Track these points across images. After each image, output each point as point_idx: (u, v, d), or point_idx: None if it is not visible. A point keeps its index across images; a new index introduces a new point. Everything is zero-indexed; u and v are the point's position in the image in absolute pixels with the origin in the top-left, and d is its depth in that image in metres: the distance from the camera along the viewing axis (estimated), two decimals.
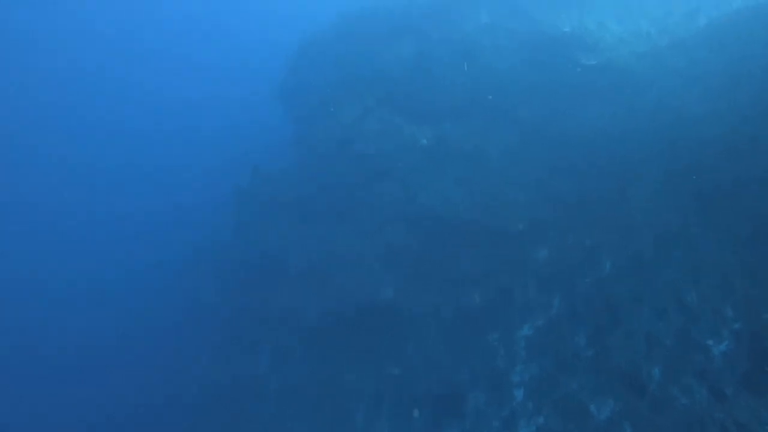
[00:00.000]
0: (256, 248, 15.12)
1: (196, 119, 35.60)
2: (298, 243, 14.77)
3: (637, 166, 13.11)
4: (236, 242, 15.97)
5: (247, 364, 13.49)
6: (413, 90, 17.22)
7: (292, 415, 12.80)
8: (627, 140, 13.66)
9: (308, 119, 17.85)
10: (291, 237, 15.09)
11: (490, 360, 13.79)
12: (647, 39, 16.34)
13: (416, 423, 12.87)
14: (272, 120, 22.70)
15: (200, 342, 14.39)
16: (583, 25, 17.29)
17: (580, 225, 14.31)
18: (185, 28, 46.90)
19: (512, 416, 12.37)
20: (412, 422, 12.86)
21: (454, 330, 14.14)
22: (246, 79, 35.97)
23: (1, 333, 21.31)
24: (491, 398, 13.17)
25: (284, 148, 18.64)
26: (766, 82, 12.65)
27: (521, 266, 14.32)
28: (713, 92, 13.09)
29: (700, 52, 14.39)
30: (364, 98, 16.89)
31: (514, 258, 14.36)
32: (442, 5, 20.84)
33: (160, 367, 15.12)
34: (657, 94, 14.15)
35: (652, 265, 12.33)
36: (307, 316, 13.80)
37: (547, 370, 13.05)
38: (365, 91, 17.18)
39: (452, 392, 13.19)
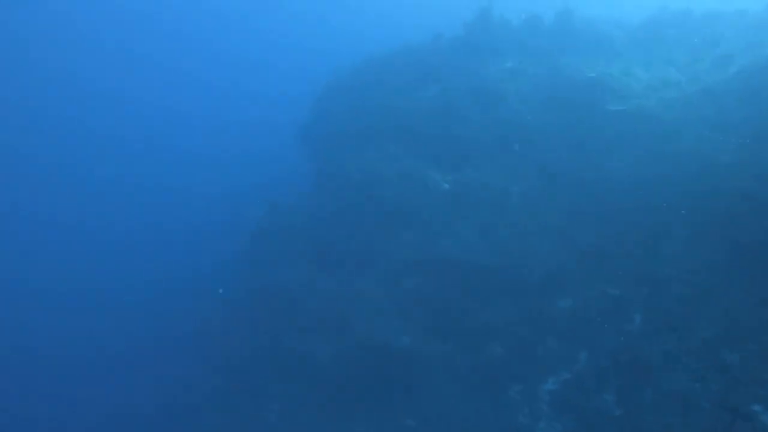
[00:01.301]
0: (270, 290, 15.07)
1: (218, 159, 36.77)
2: (314, 286, 14.65)
3: (665, 217, 12.59)
4: (250, 283, 16.00)
5: (257, 413, 13.17)
6: (435, 135, 17.31)
7: None
8: (655, 189, 13.20)
9: (330, 163, 18.10)
10: (307, 280, 15.00)
11: (512, 415, 13.06)
12: (676, 86, 16.07)
13: None
14: (294, 164, 23.19)
15: (211, 389, 14.21)
16: (608, 72, 17.18)
17: (605, 276, 13.72)
18: (209, 73, 49.22)
19: None
20: None
21: (473, 382, 13.53)
22: (269, 124, 37.16)
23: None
24: None
25: (305, 192, 18.89)
26: None
27: (543, 317, 13.74)
28: (744, 141, 12.62)
29: (730, 100, 14.00)
30: (386, 143, 17.05)
31: (536, 308, 13.81)
32: (465, 50, 21.18)
33: (165, 415, 14.97)
34: (686, 142, 13.75)
35: (685, 321, 11.61)
36: (319, 361, 13.49)
37: (573, 429, 12.24)
38: (387, 137, 17.36)
39: None
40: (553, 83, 18.54)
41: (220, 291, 16.17)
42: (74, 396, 18.63)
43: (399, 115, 18.47)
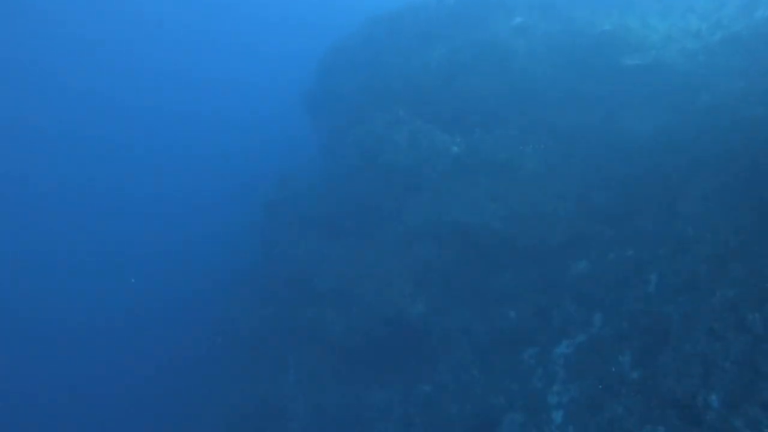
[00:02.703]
0: (282, 263, 14.95)
1: (222, 130, 36.23)
2: (326, 258, 14.50)
3: (688, 176, 12.10)
4: (263, 257, 15.87)
5: (273, 381, 13.30)
6: (443, 97, 16.69)
7: None
8: (677, 147, 12.65)
9: (336, 129, 17.62)
10: (318, 251, 14.84)
11: (526, 379, 13.05)
12: (697, 35, 15.16)
13: None
14: (300, 131, 22.69)
15: (226, 358, 14.35)
16: (624, 23, 16.26)
17: (623, 239, 13.39)
18: (208, 38, 47.90)
19: None
20: None
21: (488, 348, 13.48)
22: (272, 89, 36.30)
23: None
24: (528, 420, 12.44)
25: (312, 159, 18.50)
26: None
27: (559, 282, 13.53)
28: None
29: (759, 47, 13.18)
30: (394, 107, 16.49)
31: (551, 273, 13.58)
32: (471, 7, 20.20)
33: (184, 382, 15.20)
34: (711, 96, 13.05)
35: (707, 283, 11.30)
36: (334, 332, 13.49)
37: (589, 392, 12.21)
38: (394, 100, 16.77)
39: (486, 414, 12.54)
40: (565, 39, 17.68)
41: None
42: (87, 368, 18.99)
43: (406, 77, 17.81)
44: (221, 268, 17.91)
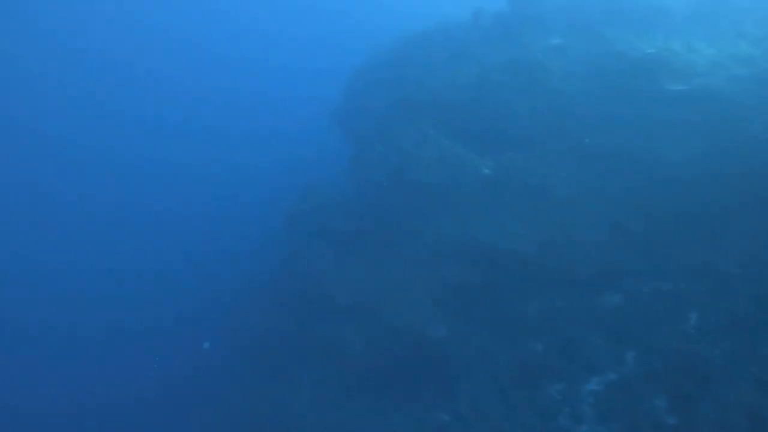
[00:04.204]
0: (302, 276, 14.72)
1: (248, 145, 36.61)
2: (347, 273, 14.20)
3: (734, 210, 11.36)
4: (283, 270, 15.69)
5: (287, 398, 12.97)
6: (475, 116, 16.35)
7: None
8: (722, 179, 11.94)
9: (364, 144, 17.44)
10: (339, 266, 14.56)
11: (551, 417, 12.34)
12: (747, 62, 14.43)
13: None
14: (327, 144, 22.68)
15: (241, 373, 14.14)
16: (668, 47, 15.65)
17: (659, 272, 12.65)
18: (237, 57, 48.80)
19: None
20: None
21: (510, 379, 12.84)
22: (302, 106, 36.69)
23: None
24: None
25: (338, 173, 18.37)
26: None
27: (589, 314, 12.84)
28: None
29: None
30: (423, 124, 16.22)
31: (580, 304, 12.92)
32: (506, 26, 19.89)
33: (196, 396, 15.04)
34: (759, 126, 12.32)
35: (752, 326, 10.50)
36: (351, 351, 13.11)
37: None
38: (424, 117, 16.52)
39: None
40: (603, 61, 17.14)
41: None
42: (98, 376, 19.05)
43: (437, 95, 17.56)
44: (241, 280, 17.84)
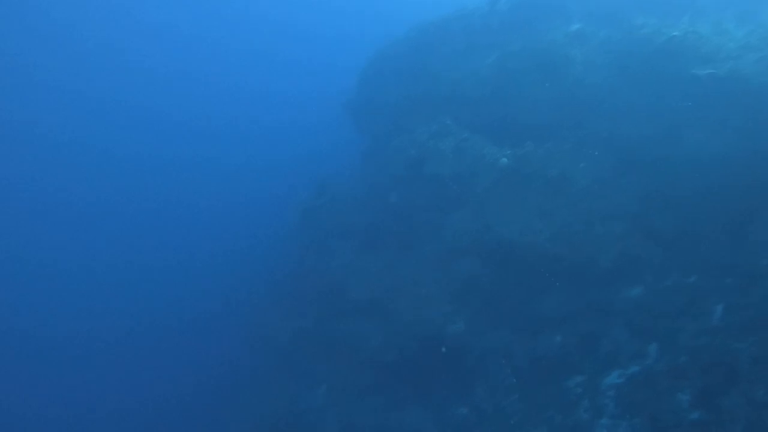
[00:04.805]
0: (318, 272, 14.78)
1: (261, 139, 36.53)
2: (363, 268, 14.20)
3: (763, 201, 10.96)
4: (299, 265, 15.76)
5: (304, 393, 13.13)
6: (493, 106, 16.04)
7: None
8: (752, 169, 11.50)
9: (379, 136, 17.30)
10: (356, 262, 14.57)
11: (570, 410, 12.24)
12: None
13: None
14: (342, 137, 22.51)
15: (257, 369, 14.32)
16: (695, 30, 15.02)
17: (683, 264, 12.33)
18: (253, 43, 48.30)
19: None
20: None
21: (529, 373, 12.76)
22: (315, 96, 36.36)
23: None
24: None
25: (353, 166, 18.27)
26: None
27: (610, 307, 12.62)
28: None
29: None
30: (440, 115, 15.99)
31: (601, 298, 12.70)
32: (525, 13, 19.36)
33: (213, 391, 15.30)
34: None
35: None
36: (368, 346, 13.17)
37: (640, 430, 11.27)
38: (441, 108, 16.27)
39: None
40: (627, 47, 16.57)
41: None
42: (113, 373, 19.46)
43: (454, 85, 17.26)
44: (256, 275, 17.96)
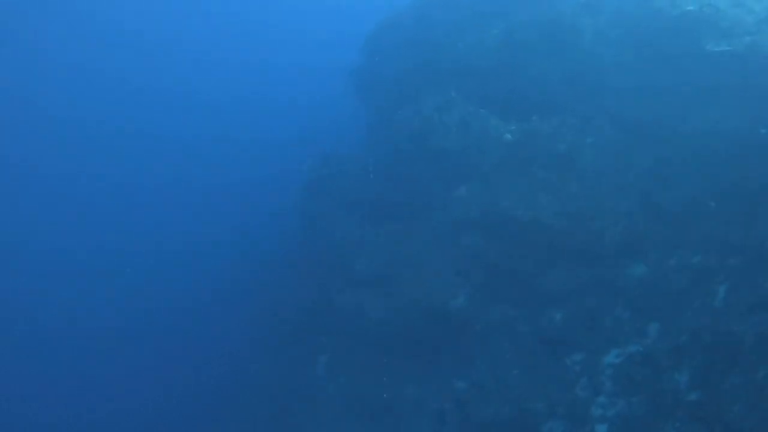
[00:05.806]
0: (321, 245, 14.71)
1: (264, 112, 35.83)
2: (367, 242, 14.11)
3: None
4: (303, 240, 15.69)
5: (305, 366, 13.23)
6: (499, 79, 15.65)
7: (347, 425, 12.39)
8: (765, 147, 11.27)
9: (384, 109, 16.94)
10: (359, 235, 14.46)
11: (568, 386, 12.34)
12: None
13: None
14: (345, 110, 22.06)
15: (257, 340, 14.40)
16: (711, 3, 14.53)
17: (688, 244, 12.24)
18: (251, 13, 46.92)
19: None
20: None
21: (530, 349, 12.83)
22: (319, 66, 35.55)
23: None
24: (569, 431, 11.80)
25: (358, 139, 17.97)
26: None
27: (612, 285, 12.60)
28: None
29: None
30: (445, 87, 15.62)
31: (604, 275, 12.66)
32: None
33: (213, 362, 15.44)
34: None
35: None
36: (371, 319, 13.19)
37: (638, 408, 11.38)
38: (446, 80, 15.88)
39: (524, 419, 11.99)
40: (639, 19, 16.04)
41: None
42: (124, 352, 19.55)
43: (459, 57, 16.79)
44: (259, 250, 17.88)
